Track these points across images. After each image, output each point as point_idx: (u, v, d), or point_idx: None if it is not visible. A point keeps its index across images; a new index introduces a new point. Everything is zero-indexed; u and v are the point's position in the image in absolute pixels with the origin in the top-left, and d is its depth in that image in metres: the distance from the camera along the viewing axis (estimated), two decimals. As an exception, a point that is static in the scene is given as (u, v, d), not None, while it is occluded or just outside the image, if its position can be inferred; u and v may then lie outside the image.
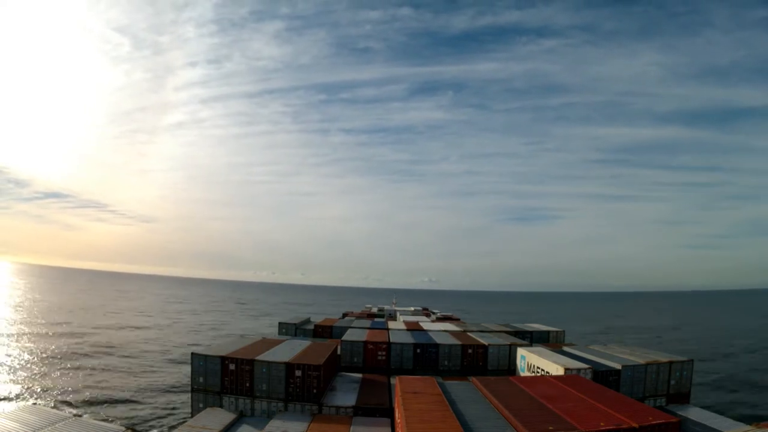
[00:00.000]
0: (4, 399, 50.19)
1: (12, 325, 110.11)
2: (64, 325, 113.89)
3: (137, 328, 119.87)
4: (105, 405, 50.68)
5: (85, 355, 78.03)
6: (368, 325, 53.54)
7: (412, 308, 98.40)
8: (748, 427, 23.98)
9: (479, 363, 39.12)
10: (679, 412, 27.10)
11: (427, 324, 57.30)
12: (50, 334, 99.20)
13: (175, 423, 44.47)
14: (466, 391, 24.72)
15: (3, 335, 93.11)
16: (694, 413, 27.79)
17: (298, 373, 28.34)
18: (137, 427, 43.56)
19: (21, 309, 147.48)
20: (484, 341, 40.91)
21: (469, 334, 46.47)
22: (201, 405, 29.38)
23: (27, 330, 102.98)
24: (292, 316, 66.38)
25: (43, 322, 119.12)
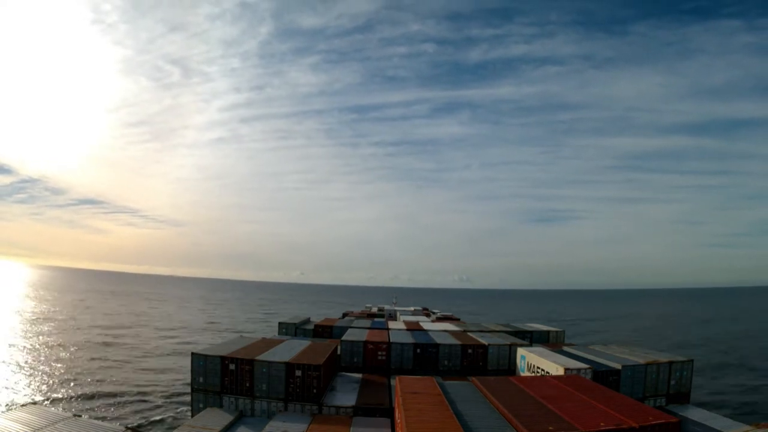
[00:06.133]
0: (4, 398, 50.17)
1: (11, 326, 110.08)
2: (63, 326, 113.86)
3: (138, 328, 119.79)
4: (105, 405, 50.66)
5: (85, 354, 77.99)
6: (368, 325, 53.50)
7: (412, 308, 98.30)
8: (748, 427, 23.99)
9: (479, 363, 39.10)
10: (679, 412, 27.09)
11: (427, 324, 57.25)
12: (48, 334, 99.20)
13: (175, 423, 44.46)
14: (466, 391, 24.70)
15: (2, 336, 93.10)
16: (694, 413, 27.77)
17: (298, 373, 28.34)
18: (137, 427, 43.66)
19: (19, 311, 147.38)
20: (484, 341, 40.88)
21: (469, 334, 46.44)
22: (201, 405, 29.40)
23: (26, 331, 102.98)
24: (292, 316, 66.34)
25: (44, 322, 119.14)
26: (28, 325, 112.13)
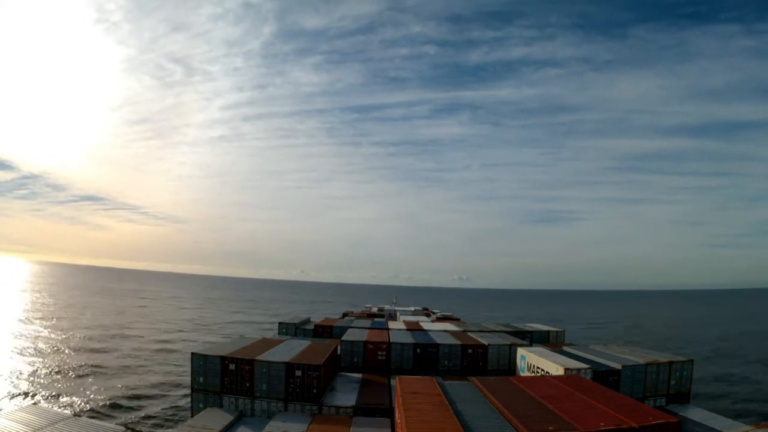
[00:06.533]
0: (5, 399, 50.20)
1: (9, 324, 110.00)
2: (59, 324, 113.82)
3: (135, 328, 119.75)
4: (105, 405, 50.68)
5: (84, 354, 77.99)
6: (368, 325, 53.48)
7: (412, 308, 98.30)
8: (748, 427, 24.01)
9: (479, 363, 39.09)
10: (679, 412, 27.10)
11: (427, 324, 57.25)
12: (46, 333, 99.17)
13: (175, 423, 44.48)
14: (466, 391, 24.71)
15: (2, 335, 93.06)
16: (694, 413, 27.78)
17: (298, 373, 28.34)
18: (137, 427, 43.67)
19: (17, 307, 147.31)
20: (484, 341, 40.88)
21: (469, 334, 46.44)
22: (201, 405, 29.39)
23: (24, 328, 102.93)
24: (292, 316, 66.36)
25: (40, 320, 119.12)
26: (14, 323, 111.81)
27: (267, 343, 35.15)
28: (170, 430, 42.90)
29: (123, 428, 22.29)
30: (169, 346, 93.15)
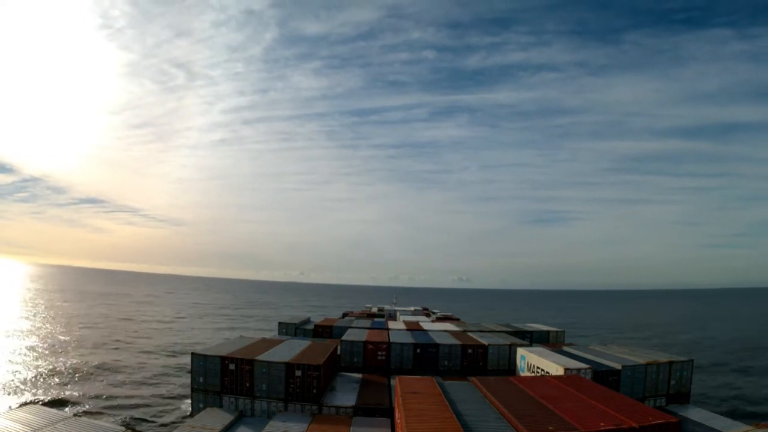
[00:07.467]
0: (5, 398, 50.15)
1: (9, 325, 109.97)
2: (57, 326, 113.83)
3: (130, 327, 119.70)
4: (105, 405, 50.64)
5: (84, 354, 77.96)
6: (368, 325, 53.54)
7: (412, 308, 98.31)
8: (748, 427, 24.02)
9: (479, 363, 39.12)
10: (679, 412, 27.12)
11: (427, 324, 57.27)
12: (43, 333, 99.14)
13: (175, 423, 44.44)
14: (466, 391, 24.73)
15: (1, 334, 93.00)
16: (694, 413, 27.81)
17: (298, 373, 28.37)
18: (137, 427, 43.61)
19: (14, 309, 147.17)
20: (484, 341, 40.91)
21: (469, 334, 46.47)
22: (201, 405, 29.45)
23: (22, 329, 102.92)
24: (292, 316, 66.36)
25: (37, 321, 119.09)
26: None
27: (267, 343, 35.18)
28: (170, 430, 42.88)
29: (123, 428, 22.30)
30: (150, 349, 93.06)
